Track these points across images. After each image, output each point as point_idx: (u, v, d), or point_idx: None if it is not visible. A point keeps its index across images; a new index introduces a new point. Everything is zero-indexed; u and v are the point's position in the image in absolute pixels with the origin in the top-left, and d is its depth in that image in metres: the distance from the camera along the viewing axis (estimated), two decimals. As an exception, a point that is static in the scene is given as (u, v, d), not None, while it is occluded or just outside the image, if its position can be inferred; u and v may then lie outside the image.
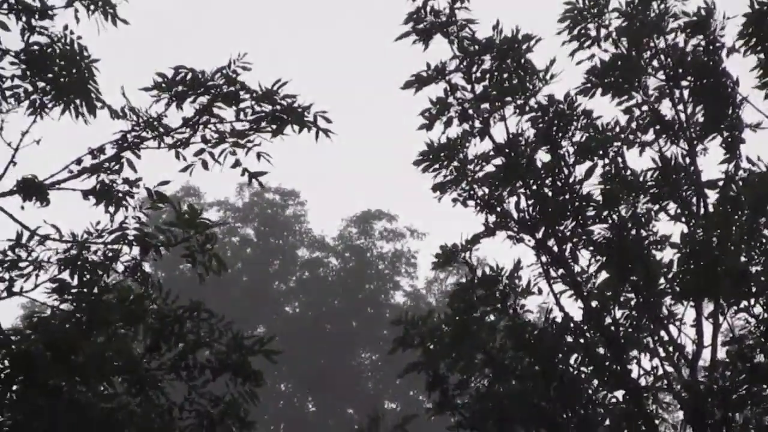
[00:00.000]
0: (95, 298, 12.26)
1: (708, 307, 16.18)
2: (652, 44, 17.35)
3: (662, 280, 16.15)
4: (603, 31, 17.38)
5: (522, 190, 16.85)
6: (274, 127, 12.95)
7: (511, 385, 16.35)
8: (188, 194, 58.73)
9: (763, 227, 15.17)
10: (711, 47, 17.18)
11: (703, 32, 17.21)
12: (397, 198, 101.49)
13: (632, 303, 16.45)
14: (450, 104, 16.90)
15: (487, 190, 16.93)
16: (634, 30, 17.22)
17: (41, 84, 12.99)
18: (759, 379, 15.43)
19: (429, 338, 16.61)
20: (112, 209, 12.73)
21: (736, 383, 15.50)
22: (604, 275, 16.63)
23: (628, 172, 16.87)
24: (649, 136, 17.34)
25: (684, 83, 17.33)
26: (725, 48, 17.12)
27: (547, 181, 16.88)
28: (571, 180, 16.84)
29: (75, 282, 12.36)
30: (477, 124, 16.93)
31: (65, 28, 13.02)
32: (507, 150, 16.87)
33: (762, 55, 16.46)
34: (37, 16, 12.94)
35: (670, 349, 16.37)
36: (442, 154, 16.88)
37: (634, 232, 16.62)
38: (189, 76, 12.87)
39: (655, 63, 17.38)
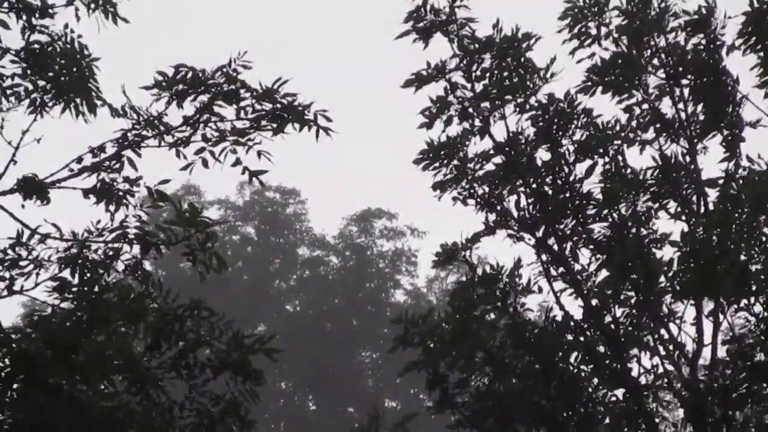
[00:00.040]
0: (96, 296, 12.26)
1: (708, 306, 16.18)
2: (652, 42, 17.35)
3: (662, 279, 16.14)
4: (603, 30, 17.38)
5: (522, 189, 16.86)
6: (274, 125, 12.94)
7: (512, 384, 16.36)
8: (189, 193, 58.77)
9: (763, 225, 15.16)
10: (711, 46, 17.18)
11: (704, 31, 17.21)
12: (397, 196, 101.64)
13: (632, 301, 16.45)
14: (450, 103, 16.90)
15: (487, 189, 16.94)
16: (634, 28, 17.22)
17: (42, 82, 12.99)
18: (759, 377, 15.44)
19: (429, 337, 16.62)
20: (112, 208, 12.73)
21: (736, 382, 15.50)
22: (604, 274, 16.64)
23: (629, 171, 16.87)
24: (650, 134, 17.37)
25: (684, 82, 17.33)
26: (725, 46, 17.13)
27: (547, 180, 16.89)
28: (571, 178, 16.85)
29: (75, 281, 12.36)
30: (477, 122, 16.94)
31: (66, 26, 13.02)
32: (507, 148, 16.87)
33: (762, 54, 16.44)
34: (37, 15, 12.94)
35: (671, 347, 16.38)
36: (442, 153, 16.89)
37: (634, 230, 16.63)
38: (189, 75, 12.85)
39: (655, 61, 17.38)
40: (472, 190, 16.93)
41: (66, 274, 12.38)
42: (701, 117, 17.24)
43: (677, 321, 16.45)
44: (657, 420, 16.29)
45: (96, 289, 12.31)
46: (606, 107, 17.34)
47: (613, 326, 16.37)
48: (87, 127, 13.16)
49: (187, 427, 12.73)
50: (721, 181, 16.69)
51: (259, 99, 12.92)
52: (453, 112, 16.90)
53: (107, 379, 12.30)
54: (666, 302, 16.42)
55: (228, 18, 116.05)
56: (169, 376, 12.73)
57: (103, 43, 13.45)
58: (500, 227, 16.90)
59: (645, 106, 17.39)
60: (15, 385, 11.96)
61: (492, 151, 16.94)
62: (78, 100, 13.02)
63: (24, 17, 12.92)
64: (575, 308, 16.60)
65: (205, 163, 12.99)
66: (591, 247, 16.69)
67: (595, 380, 16.35)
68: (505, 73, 16.89)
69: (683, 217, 16.81)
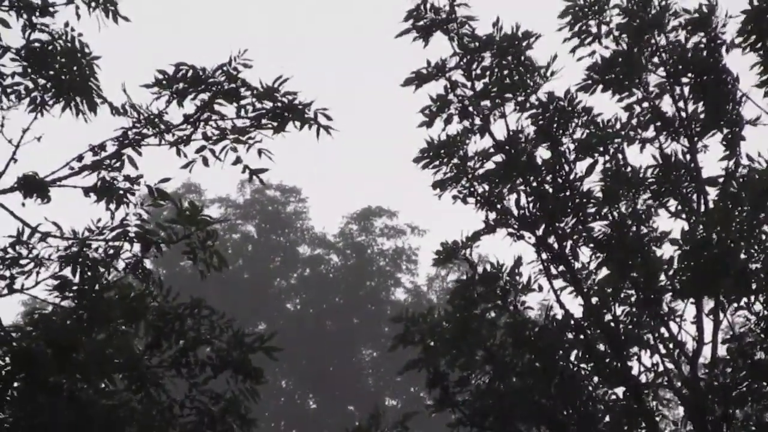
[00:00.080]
0: (96, 295, 12.26)
1: (708, 304, 16.18)
2: (653, 41, 17.34)
3: (662, 277, 16.15)
4: (604, 28, 17.37)
5: (522, 187, 16.85)
6: (275, 124, 12.93)
7: (512, 382, 16.36)
8: (189, 191, 58.76)
9: (763, 224, 15.16)
10: (712, 44, 17.17)
11: (704, 29, 17.20)
12: (397, 195, 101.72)
13: (632, 300, 16.46)
14: (450, 101, 16.90)
15: (487, 187, 16.93)
16: (635, 27, 17.22)
17: (42, 81, 12.98)
18: (759, 375, 15.45)
19: (429, 335, 16.62)
20: (113, 206, 12.72)
21: (736, 380, 15.52)
22: (604, 272, 16.64)
23: (629, 169, 16.87)
24: (650, 132, 17.35)
25: (685, 80, 17.32)
26: (726, 45, 17.12)
27: (547, 178, 16.89)
28: (571, 177, 16.85)
29: (76, 279, 12.36)
30: (477, 121, 16.93)
31: (66, 25, 13.02)
32: (507, 147, 16.87)
33: (762, 52, 16.44)
34: (37, 13, 12.94)
35: (671, 345, 16.39)
36: (442, 151, 16.88)
37: (634, 228, 16.63)
38: (190, 73, 12.85)
39: (655, 60, 17.37)
40: (472, 189, 16.93)
41: (66, 272, 12.39)
42: (701, 115, 17.23)
43: (677, 319, 16.46)
44: (657, 418, 16.29)
45: (96, 287, 12.31)
46: (606, 105, 17.35)
47: (613, 325, 16.37)
48: (87, 126, 13.16)
49: (187, 426, 12.74)
50: (721, 180, 16.69)
51: (259, 97, 12.92)
52: (453, 111, 16.91)
53: (107, 377, 12.30)
54: (666, 300, 16.42)
55: (228, 17, 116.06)
56: (170, 374, 12.74)
57: (104, 41, 13.45)
58: (500, 226, 16.90)
59: (645, 104, 17.38)
60: (15, 384, 11.96)
61: (492, 150, 16.94)
62: (78, 99, 13.02)
63: (24, 15, 12.92)
64: (575, 306, 16.63)
65: (205, 162, 12.99)
66: (591, 245, 16.69)
67: (596, 378, 16.36)
68: (506, 72, 16.89)
69: (683, 216, 16.81)
